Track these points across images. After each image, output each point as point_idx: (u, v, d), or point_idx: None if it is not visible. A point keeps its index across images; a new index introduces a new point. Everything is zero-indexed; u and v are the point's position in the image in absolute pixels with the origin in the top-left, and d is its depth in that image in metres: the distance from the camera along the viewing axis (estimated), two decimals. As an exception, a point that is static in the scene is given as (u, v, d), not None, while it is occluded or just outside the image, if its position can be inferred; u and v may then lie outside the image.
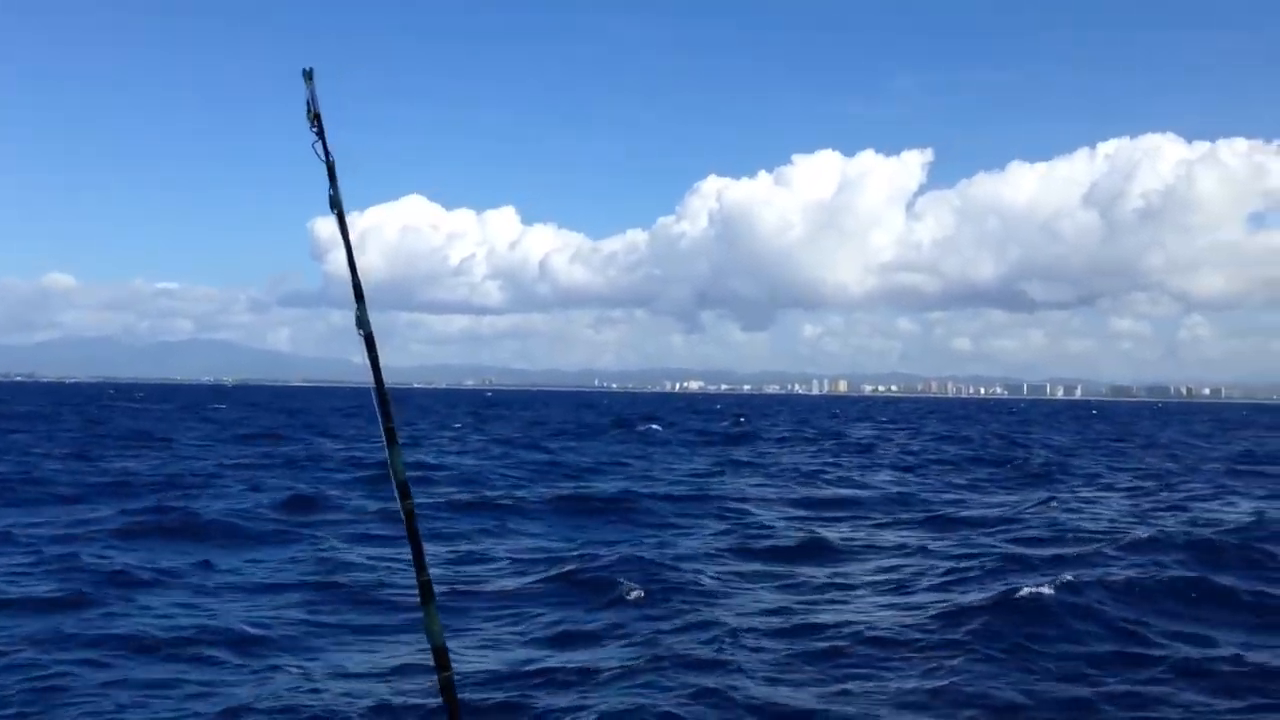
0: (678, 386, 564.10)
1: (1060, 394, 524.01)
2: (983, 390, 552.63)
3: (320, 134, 3.62)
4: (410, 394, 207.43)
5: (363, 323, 3.60)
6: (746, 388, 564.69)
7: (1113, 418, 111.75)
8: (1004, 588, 13.27)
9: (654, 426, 60.54)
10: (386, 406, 3.54)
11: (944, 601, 13.05)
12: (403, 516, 3.50)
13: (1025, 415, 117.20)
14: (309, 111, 3.60)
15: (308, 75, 3.59)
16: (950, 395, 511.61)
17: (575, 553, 16.41)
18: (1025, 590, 12.67)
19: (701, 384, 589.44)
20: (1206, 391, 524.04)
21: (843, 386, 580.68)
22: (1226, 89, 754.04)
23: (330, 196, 3.67)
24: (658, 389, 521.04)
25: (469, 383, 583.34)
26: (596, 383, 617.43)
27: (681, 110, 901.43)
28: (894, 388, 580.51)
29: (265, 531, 18.24)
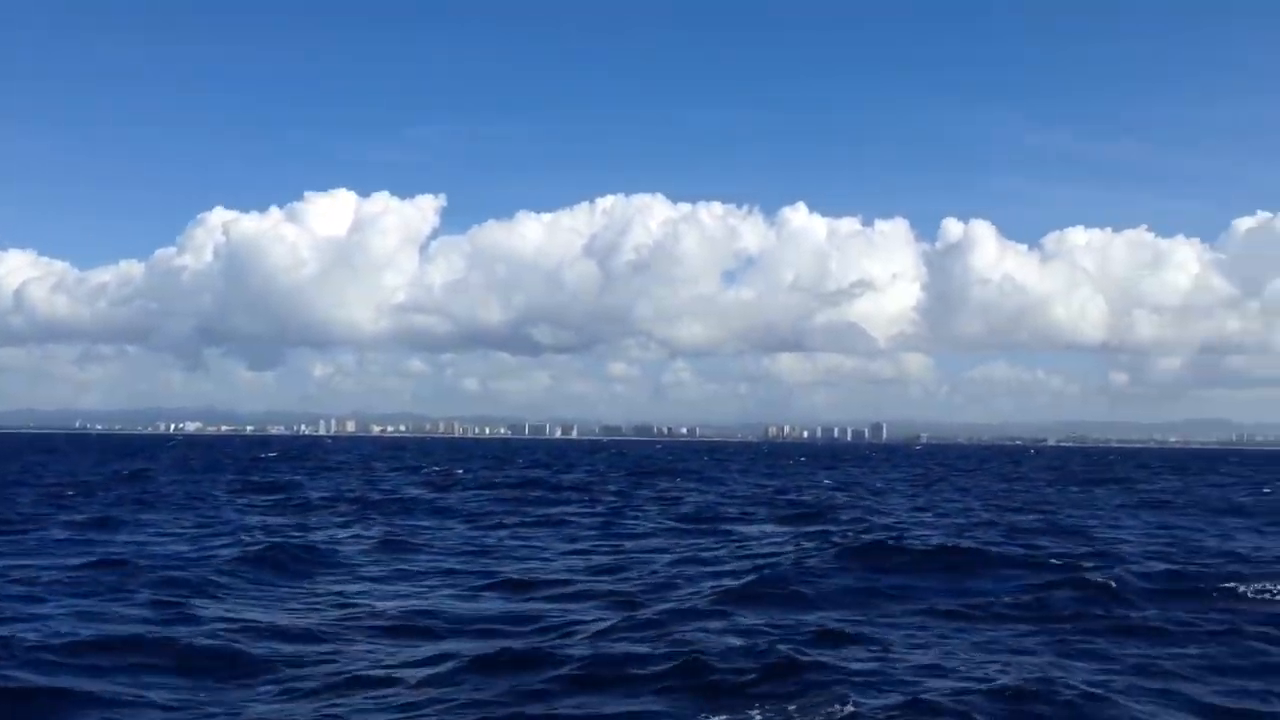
0: (173, 428, 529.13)
1: (559, 434, 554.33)
2: (488, 430, 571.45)
3: None
4: None
5: None
6: (249, 429, 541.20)
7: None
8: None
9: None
10: None
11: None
12: None
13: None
14: None
15: None
16: (458, 435, 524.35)
17: None
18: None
19: (200, 425, 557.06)
20: (684, 430, 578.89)
21: (351, 426, 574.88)
22: (705, 157, 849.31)
23: None
24: (151, 430, 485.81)
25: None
26: (78, 424, 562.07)
27: (185, 139, 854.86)
28: (403, 427, 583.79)
29: None
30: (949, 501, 49.59)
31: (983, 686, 12.12)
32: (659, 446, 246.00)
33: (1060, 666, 13.49)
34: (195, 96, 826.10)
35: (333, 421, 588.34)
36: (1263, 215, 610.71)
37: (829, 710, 11.28)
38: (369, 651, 14.19)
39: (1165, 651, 14.54)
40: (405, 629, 15.66)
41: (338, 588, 19.62)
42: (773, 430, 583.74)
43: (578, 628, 15.64)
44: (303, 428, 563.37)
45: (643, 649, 13.79)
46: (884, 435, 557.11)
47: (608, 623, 15.93)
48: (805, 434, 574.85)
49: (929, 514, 38.20)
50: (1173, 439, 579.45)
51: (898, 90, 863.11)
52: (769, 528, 31.81)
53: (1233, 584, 19.56)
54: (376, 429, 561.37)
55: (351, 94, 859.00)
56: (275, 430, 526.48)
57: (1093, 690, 11.94)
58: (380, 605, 17.58)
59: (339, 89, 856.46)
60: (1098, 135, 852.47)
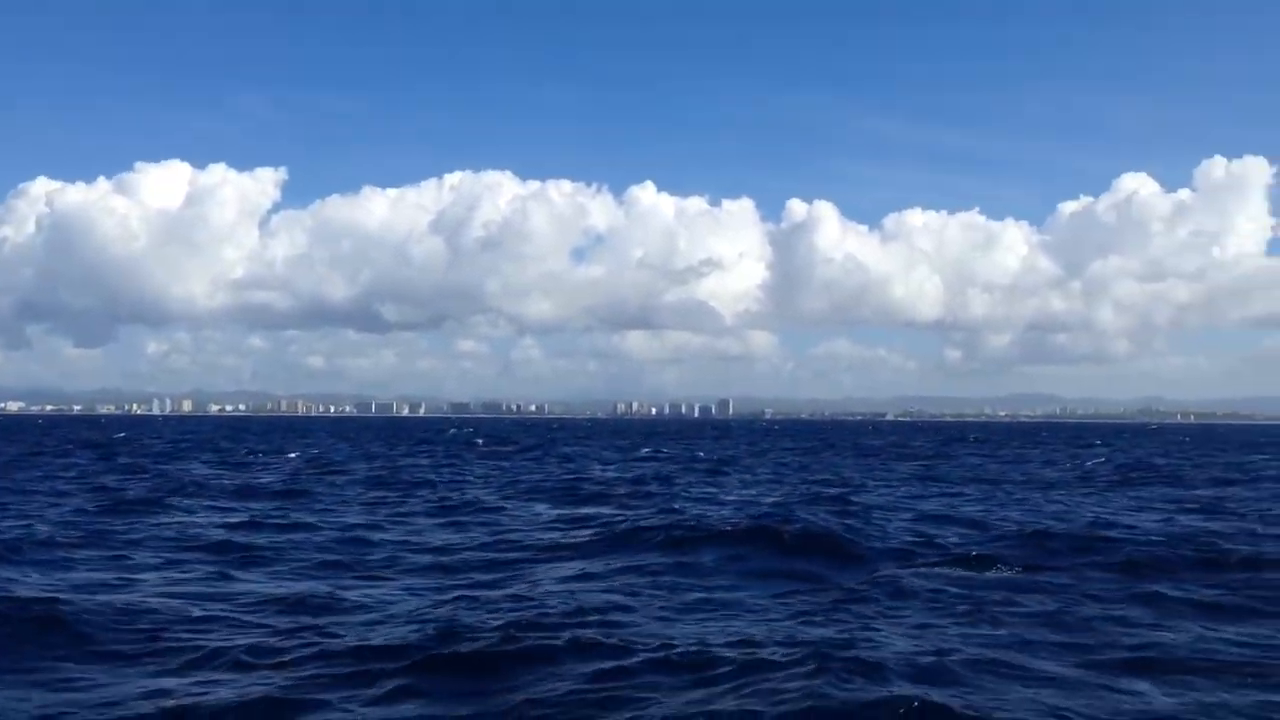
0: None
1: (406, 411, 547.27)
2: (333, 408, 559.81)
3: None
4: None
5: None
6: (77, 408, 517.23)
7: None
8: None
9: None
10: None
11: None
12: None
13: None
14: None
15: None
16: (301, 413, 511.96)
17: None
18: None
19: (23, 405, 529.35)
20: (533, 407, 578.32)
21: (188, 405, 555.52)
22: (554, 135, 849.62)
23: None
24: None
25: None
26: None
27: (3, 106, 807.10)
28: (243, 406, 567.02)
29: None
30: (757, 470, 51.19)
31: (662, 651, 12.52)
32: (506, 424, 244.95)
33: (772, 629, 13.92)
34: (13, 64, 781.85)
35: (168, 401, 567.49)
36: (1085, 199, 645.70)
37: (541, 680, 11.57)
38: None
39: (888, 613, 15.24)
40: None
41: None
42: (621, 407, 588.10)
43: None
44: (135, 407, 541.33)
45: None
46: (730, 411, 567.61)
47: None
48: (654, 410, 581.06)
49: (722, 490, 39.11)
50: (1002, 413, 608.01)
51: (742, 74, 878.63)
52: (542, 509, 31.85)
53: (975, 553, 20.69)
54: (215, 408, 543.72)
55: (177, 62, 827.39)
56: (105, 410, 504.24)
57: (759, 656, 12.43)
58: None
59: (163, 56, 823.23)
60: (933, 121, 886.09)
